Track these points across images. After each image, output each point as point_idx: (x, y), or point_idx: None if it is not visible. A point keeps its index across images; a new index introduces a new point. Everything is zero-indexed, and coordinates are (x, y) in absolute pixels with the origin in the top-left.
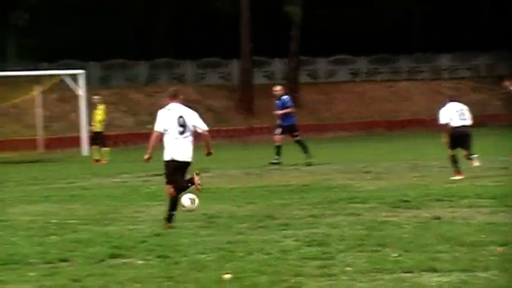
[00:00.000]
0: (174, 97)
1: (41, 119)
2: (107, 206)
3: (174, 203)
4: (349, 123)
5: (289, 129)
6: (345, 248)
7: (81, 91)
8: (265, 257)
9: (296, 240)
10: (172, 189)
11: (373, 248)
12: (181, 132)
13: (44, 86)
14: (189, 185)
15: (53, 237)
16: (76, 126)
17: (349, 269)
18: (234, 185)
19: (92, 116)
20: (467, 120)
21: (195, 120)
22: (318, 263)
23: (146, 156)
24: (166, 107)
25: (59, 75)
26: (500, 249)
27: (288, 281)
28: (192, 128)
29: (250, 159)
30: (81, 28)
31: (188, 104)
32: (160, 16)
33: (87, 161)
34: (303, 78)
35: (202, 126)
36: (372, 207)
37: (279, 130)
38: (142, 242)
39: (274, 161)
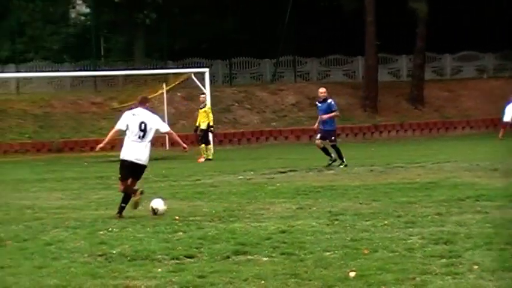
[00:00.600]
0: (142, 103)
1: (167, 117)
2: (232, 203)
3: (125, 197)
4: (476, 120)
5: (326, 135)
6: (472, 246)
7: (206, 89)
8: (390, 254)
9: (422, 238)
10: (122, 187)
11: (502, 247)
12: (140, 137)
13: (170, 84)
14: (132, 194)
15: (179, 233)
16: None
17: (476, 267)
18: (358, 183)
19: (198, 114)
20: None
21: (157, 124)
22: (444, 261)
23: (100, 146)
24: (132, 111)
25: (185, 73)
26: None
27: (414, 279)
28: (153, 133)
29: (374, 156)
30: (207, 27)
31: (313, 101)
32: (285, 14)
33: (214, 158)
34: (429, 75)
35: (163, 128)
36: (500, 205)
37: (318, 135)
38: (267, 239)
39: (330, 162)
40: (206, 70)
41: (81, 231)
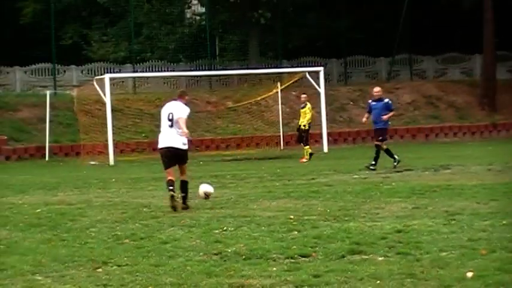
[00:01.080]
0: (179, 96)
1: (282, 116)
2: (347, 202)
3: (181, 187)
4: None
5: (378, 133)
6: None
7: (321, 88)
8: (509, 255)
9: None
10: (168, 176)
11: None
12: (170, 126)
13: (284, 83)
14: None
15: (293, 232)
16: (316, 123)
17: None
18: (475, 182)
19: (299, 114)
20: None
21: (179, 113)
22: None
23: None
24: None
25: (299, 72)
26: None
27: None
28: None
29: (492, 155)
30: (321, 25)
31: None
32: (400, 11)
33: (328, 157)
34: None
35: (179, 115)
36: None
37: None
38: (383, 238)
39: (395, 164)
40: (321, 69)
41: (196, 229)
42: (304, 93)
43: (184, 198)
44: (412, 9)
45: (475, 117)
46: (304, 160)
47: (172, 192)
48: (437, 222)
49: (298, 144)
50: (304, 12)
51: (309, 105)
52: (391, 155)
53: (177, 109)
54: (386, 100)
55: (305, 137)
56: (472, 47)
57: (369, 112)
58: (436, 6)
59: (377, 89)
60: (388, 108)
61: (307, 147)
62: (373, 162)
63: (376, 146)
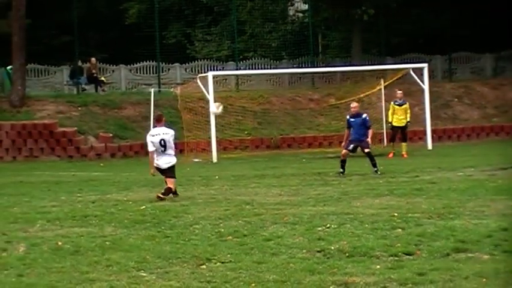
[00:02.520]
0: (158, 121)
1: (385, 113)
2: (451, 200)
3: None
4: None
5: (362, 144)
6: None
7: (425, 85)
8: None
9: None
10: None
11: None
12: (163, 151)
13: (388, 80)
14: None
15: (397, 230)
16: (420, 120)
17: None
18: None
19: (394, 111)
20: None
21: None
22: None
23: (151, 171)
24: (151, 132)
25: (403, 69)
26: None
27: None
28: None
29: None
30: (425, 21)
31: None
32: (506, 6)
33: (432, 154)
34: None
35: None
36: None
37: (351, 146)
38: (488, 236)
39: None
40: (425, 65)
41: (299, 227)
42: (400, 90)
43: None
44: None
45: None
46: (405, 156)
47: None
48: None
49: (391, 143)
50: (408, 8)
51: (407, 103)
52: (344, 167)
53: (166, 135)
54: (364, 116)
55: (407, 133)
56: None
57: (348, 128)
58: None
59: (354, 104)
60: (365, 124)
61: (405, 143)
62: (375, 169)
63: (367, 154)
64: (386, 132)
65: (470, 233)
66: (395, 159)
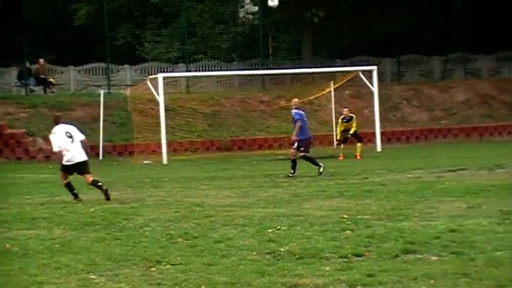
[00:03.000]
0: (56, 122)
1: (335, 115)
2: (400, 202)
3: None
4: None
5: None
6: None
7: (374, 87)
8: None
9: None
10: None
11: None
12: (71, 142)
13: (337, 82)
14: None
15: (346, 232)
16: (369, 122)
17: None
18: None
19: (341, 126)
20: None
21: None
22: None
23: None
24: (52, 131)
25: (352, 71)
26: None
27: None
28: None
29: None
30: (375, 24)
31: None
32: (454, 11)
33: (381, 157)
34: None
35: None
36: None
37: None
38: (437, 237)
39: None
40: (374, 68)
41: (249, 229)
42: (346, 108)
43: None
44: (466, 7)
45: None
46: (359, 157)
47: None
48: (491, 222)
49: (340, 144)
50: (358, 11)
51: (354, 116)
52: (295, 168)
53: (69, 127)
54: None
55: (359, 135)
56: None
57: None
58: (490, 4)
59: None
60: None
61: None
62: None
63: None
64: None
65: (419, 235)
66: (345, 161)
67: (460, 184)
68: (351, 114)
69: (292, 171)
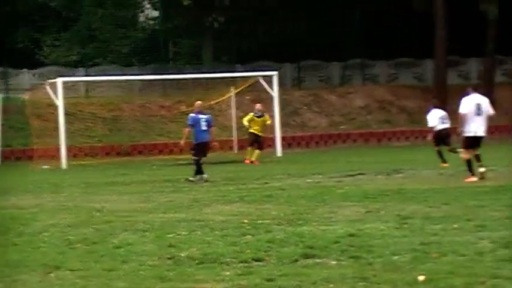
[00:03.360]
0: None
1: (236, 120)
2: (300, 206)
3: None
4: None
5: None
6: None
7: (274, 92)
8: (460, 258)
9: (492, 242)
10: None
11: None
12: None
13: (238, 87)
14: None
15: (247, 236)
16: (270, 128)
17: None
18: (427, 186)
19: (255, 122)
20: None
21: None
22: None
23: None
24: None
25: (253, 76)
26: None
27: (484, 283)
28: None
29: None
30: (275, 30)
31: (381, 104)
32: (353, 16)
33: (281, 161)
34: (498, 77)
35: None
36: None
37: None
38: (336, 242)
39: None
40: (274, 73)
41: (149, 234)
42: (259, 103)
43: None
44: (366, 14)
45: (426, 122)
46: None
47: None
48: (389, 226)
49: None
50: (258, 16)
51: (266, 115)
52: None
53: None
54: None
55: (259, 142)
56: (424, 52)
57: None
58: (389, 12)
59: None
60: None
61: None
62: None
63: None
64: (238, 140)
65: (318, 239)
66: (246, 167)
67: (359, 189)
68: (261, 109)
69: (195, 175)
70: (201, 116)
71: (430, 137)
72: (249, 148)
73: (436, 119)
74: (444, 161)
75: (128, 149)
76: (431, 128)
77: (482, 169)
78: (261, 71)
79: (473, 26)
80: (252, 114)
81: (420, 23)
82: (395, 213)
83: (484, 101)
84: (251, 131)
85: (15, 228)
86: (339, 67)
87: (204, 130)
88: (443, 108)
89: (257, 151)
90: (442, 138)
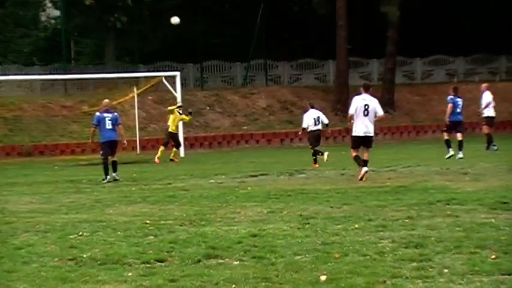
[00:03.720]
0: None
1: (138, 121)
2: (203, 207)
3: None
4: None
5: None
6: (443, 250)
7: (177, 93)
8: (361, 258)
9: (392, 242)
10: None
11: (472, 250)
12: None
13: (141, 87)
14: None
15: (149, 237)
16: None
17: (446, 271)
18: (329, 186)
19: (171, 119)
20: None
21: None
22: (414, 264)
23: None
24: None
25: (156, 77)
26: None
27: (385, 283)
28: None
29: (345, 160)
30: (178, 30)
31: (284, 105)
32: (256, 17)
33: (184, 162)
34: (399, 79)
35: None
36: (470, 209)
37: None
38: (239, 242)
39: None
40: (177, 73)
41: (51, 235)
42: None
43: None
44: (268, 15)
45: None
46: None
47: None
48: (291, 226)
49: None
50: (161, 16)
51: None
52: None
53: None
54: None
55: (176, 140)
56: (326, 53)
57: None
58: (292, 13)
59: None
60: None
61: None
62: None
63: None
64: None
65: (221, 240)
66: (149, 167)
67: (262, 189)
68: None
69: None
70: (106, 114)
71: (300, 136)
72: (162, 148)
73: (310, 119)
74: (315, 162)
75: (29, 149)
76: (304, 128)
77: (366, 169)
78: (163, 71)
79: (375, 27)
80: (175, 107)
81: (322, 24)
82: (298, 213)
83: (373, 102)
84: (170, 130)
85: None
86: (242, 67)
87: (110, 129)
88: (320, 109)
89: (175, 149)
90: (315, 138)
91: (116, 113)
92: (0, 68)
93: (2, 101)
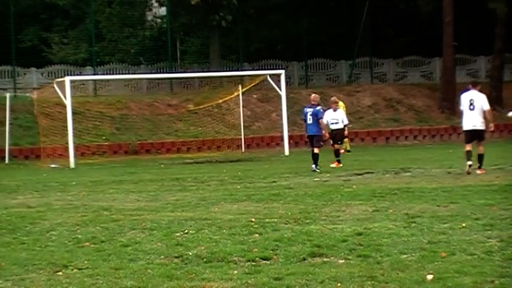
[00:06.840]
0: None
1: (243, 119)
2: (308, 205)
3: None
4: None
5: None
6: None
7: (282, 91)
8: (468, 257)
9: (501, 241)
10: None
11: None
12: None
13: (245, 86)
14: None
15: (254, 235)
16: (277, 126)
17: None
18: (435, 185)
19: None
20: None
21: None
22: None
23: None
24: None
25: (260, 75)
26: None
27: (493, 282)
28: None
29: (452, 158)
30: (283, 28)
31: (389, 103)
32: (361, 15)
33: (289, 160)
34: (508, 76)
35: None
36: None
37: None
38: (344, 241)
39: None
40: (282, 72)
41: (157, 232)
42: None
43: None
44: (373, 12)
45: (434, 120)
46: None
47: None
48: (397, 225)
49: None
50: (265, 15)
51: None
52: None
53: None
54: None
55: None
56: (432, 51)
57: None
58: (397, 10)
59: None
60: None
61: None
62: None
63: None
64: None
65: (326, 238)
66: (254, 166)
67: (367, 187)
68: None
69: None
70: (307, 109)
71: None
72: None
73: (328, 119)
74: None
75: (135, 148)
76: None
77: (470, 162)
78: (268, 69)
79: (482, 24)
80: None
81: (428, 21)
82: (404, 212)
83: (479, 97)
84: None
85: (23, 227)
86: (347, 65)
87: (310, 124)
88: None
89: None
90: (335, 138)
91: (316, 108)
92: (107, 67)
93: (110, 100)
